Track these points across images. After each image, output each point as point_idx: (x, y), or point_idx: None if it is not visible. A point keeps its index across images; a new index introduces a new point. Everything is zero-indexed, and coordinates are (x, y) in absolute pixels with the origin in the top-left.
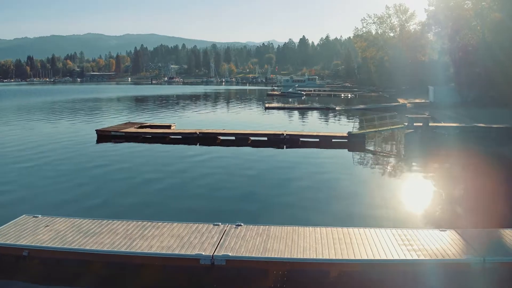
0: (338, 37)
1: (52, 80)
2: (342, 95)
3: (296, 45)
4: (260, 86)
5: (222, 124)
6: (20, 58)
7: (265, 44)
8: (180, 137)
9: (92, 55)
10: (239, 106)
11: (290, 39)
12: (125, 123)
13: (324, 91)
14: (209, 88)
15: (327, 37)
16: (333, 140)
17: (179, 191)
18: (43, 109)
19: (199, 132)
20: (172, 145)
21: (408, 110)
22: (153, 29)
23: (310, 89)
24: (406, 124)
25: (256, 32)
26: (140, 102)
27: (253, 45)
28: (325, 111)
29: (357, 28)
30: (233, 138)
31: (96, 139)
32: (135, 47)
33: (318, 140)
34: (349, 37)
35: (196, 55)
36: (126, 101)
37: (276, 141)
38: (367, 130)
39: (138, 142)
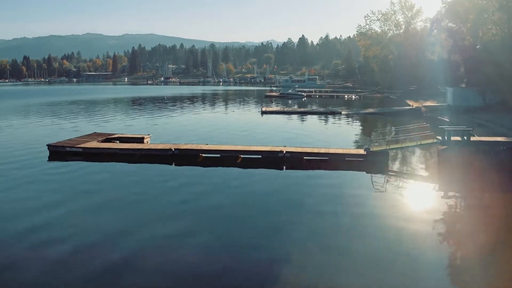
0: (338, 37)
1: (47, 80)
2: (346, 96)
3: (295, 44)
4: (259, 87)
5: (209, 133)
6: (18, 58)
7: (264, 43)
8: (153, 154)
9: (91, 55)
10: (233, 110)
11: (289, 38)
12: (90, 135)
13: (326, 92)
14: (205, 89)
15: (327, 36)
16: (346, 159)
17: (125, 251)
18: (13, 111)
19: (175, 149)
20: (141, 164)
21: (424, 115)
22: (152, 29)
23: (311, 89)
24: (439, 138)
25: (255, 32)
26: (124, 104)
27: (252, 45)
28: (330, 116)
29: (360, 25)
30: (219, 155)
31: (48, 155)
32: (133, 47)
33: (327, 158)
34: (349, 36)
35: (194, 54)
36: (109, 103)
37: (274, 160)
38: (390, 147)
39: (99, 160)
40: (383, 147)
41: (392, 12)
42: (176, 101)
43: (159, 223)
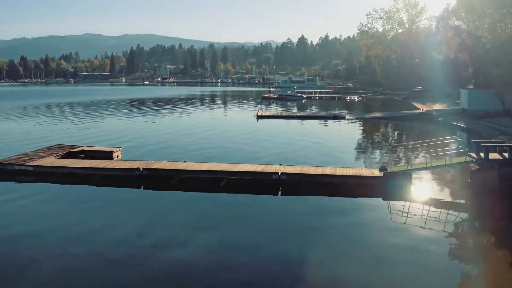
0: (338, 37)
1: (44, 80)
2: (348, 98)
3: (295, 44)
4: (257, 87)
5: (191, 145)
6: (18, 58)
7: (264, 44)
8: (116, 174)
9: (90, 55)
10: (225, 113)
11: (288, 38)
12: (50, 147)
13: (326, 93)
14: (202, 90)
15: (326, 36)
16: (357, 182)
17: None
18: None
19: (144, 168)
20: (99, 189)
21: (436, 120)
22: (151, 30)
23: (311, 90)
24: (473, 155)
25: (254, 32)
26: (108, 107)
27: (251, 45)
28: (332, 122)
29: (361, 24)
30: (198, 177)
31: None
32: (131, 47)
33: (333, 181)
34: (349, 36)
35: (193, 55)
36: (93, 106)
37: (266, 183)
38: (413, 167)
39: (52, 181)
40: (403, 167)
41: (395, 10)
42: (168, 103)
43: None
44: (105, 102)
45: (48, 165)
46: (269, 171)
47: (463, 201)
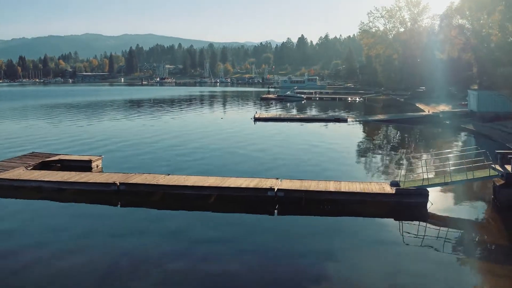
0: (338, 36)
1: (42, 80)
2: (349, 98)
3: (295, 44)
4: (257, 87)
5: (179, 152)
6: (17, 58)
7: (263, 43)
8: (89, 190)
9: (90, 55)
10: (221, 116)
11: (288, 38)
12: (23, 156)
13: (327, 93)
14: (200, 90)
15: (326, 36)
16: (365, 199)
17: None
18: None
19: (121, 183)
20: (70, 205)
21: (445, 122)
22: (151, 29)
23: (311, 91)
24: (497, 168)
25: (254, 32)
26: (100, 108)
27: (251, 45)
28: (334, 125)
29: (363, 22)
30: (182, 193)
31: None
32: (130, 47)
33: (337, 199)
34: (349, 36)
35: (192, 54)
36: (84, 107)
37: (261, 201)
38: (430, 182)
39: (18, 196)
40: (418, 181)
41: (397, 8)
42: (164, 104)
43: None
44: (98, 103)
45: (15, 178)
46: (264, 186)
47: (486, 222)
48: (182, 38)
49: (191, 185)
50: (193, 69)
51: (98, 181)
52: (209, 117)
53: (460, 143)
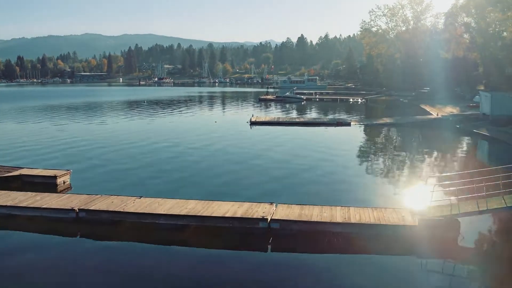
0: (338, 36)
1: (39, 81)
2: (351, 99)
3: (294, 44)
4: (256, 88)
5: (163, 162)
6: (16, 58)
7: (263, 43)
8: (43, 217)
9: (90, 55)
10: (215, 120)
11: (288, 38)
12: None
13: (327, 94)
14: (198, 91)
15: (326, 36)
16: (379, 233)
17: None
18: None
19: (80, 209)
20: (19, 235)
21: (455, 126)
22: (151, 29)
23: (311, 91)
24: None
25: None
26: (86, 110)
27: (251, 44)
28: (337, 129)
29: (364, 21)
30: (158, 221)
31: None
32: (129, 47)
33: (344, 232)
34: (349, 35)
35: (191, 54)
36: (70, 109)
37: (251, 233)
38: (461, 211)
39: None
40: (445, 209)
41: (400, 6)
42: (157, 105)
43: None
44: (87, 104)
45: None
46: (255, 216)
47: None
48: (182, 38)
49: (164, 213)
50: (192, 69)
51: (54, 206)
52: (202, 120)
53: (481, 153)
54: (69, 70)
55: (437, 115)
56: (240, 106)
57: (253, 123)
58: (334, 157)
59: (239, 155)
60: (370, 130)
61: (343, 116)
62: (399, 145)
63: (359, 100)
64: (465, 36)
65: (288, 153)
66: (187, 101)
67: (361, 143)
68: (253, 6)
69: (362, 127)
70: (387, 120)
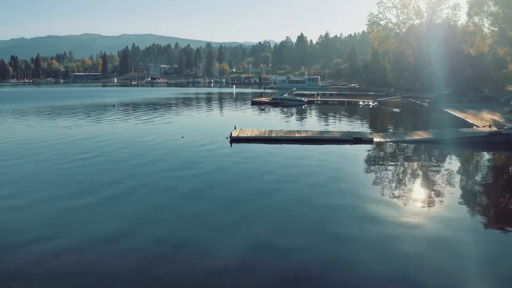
0: (338, 35)
1: (31, 81)
2: (360, 102)
3: (294, 43)
4: (253, 88)
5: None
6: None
7: (262, 43)
8: None
9: (88, 56)
10: (182, 136)
11: (287, 37)
12: None
13: (331, 95)
14: (188, 91)
15: (327, 34)
16: None
17: None
18: None
19: None
20: None
21: None
22: (150, 29)
23: (312, 93)
24: None
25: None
26: (40, 115)
27: (250, 44)
28: (355, 149)
29: (371, 13)
30: None
31: None
32: (126, 46)
33: None
34: (350, 34)
35: (188, 54)
36: (19, 113)
37: None
38: None
39: None
40: None
41: None
42: (128, 109)
43: None
44: (36, 107)
45: None
46: None
47: None
48: (181, 38)
49: None
50: (189, 69)
51: None
52: (168, 134)
53: None
54: (63, 70)
55: (490, 127)
56: (227, 110)
57: (234, 140)
58: (355, 201)
59: (204, 196)
60: (404, 152)
61: (358, 127)
62: (472, 188)
63: (371, 103)
64: (492, 28)
65: (282, 193)
66: (167, 105)
67: (395, 176)
68: (253, 6)
69: (391, 146)
70: (423, 134)
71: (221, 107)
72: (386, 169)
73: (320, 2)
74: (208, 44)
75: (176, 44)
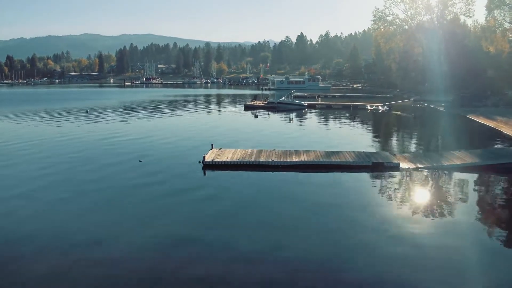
0: (339, 35)
1: (25, 81)
2: (368, 107)
3: (294, 43)
4: (251, 89)
5: None
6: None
7: (261, 42)
8: None
9: (88, 55)
10: (139, 160)
11: (287, 36)
12: None
13: (334, 98)
14: (180, 93)
15: (327, 34)
16: None
17: None
18: None
19: None
20: None
21: None
22: (150, 29)
23: (313, 95)
24: None
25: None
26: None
27: (249, 44)
28: (375, 181)
29: (377, 8)
30: None
31: None
32: (124, 46)
33: None
34: (351, 33)
35: (185, 54)
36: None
37: None
38: None
39: None
40: None
41: None
42: (101, 116)
43: None
44: (22, 112)
45: None
46: None
47: None
48: (181, 38)
49: None
50: (187, 68)
51: None
52: (125, 153)
53: None
54: (59, 70)
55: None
56: (213, 117)
57: (208, 165)
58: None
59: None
60: (447, 185)
61: (372, 141)
62: None
63: (380, 108)
64: None
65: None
66: (149, 109)
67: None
68: (253, 6)
69: (425, 176)
70: (463, 157)
71: (208, 112)
72: (427, 214)
73: (320, 2)
74: (207, 44)
75: (175, 44)
